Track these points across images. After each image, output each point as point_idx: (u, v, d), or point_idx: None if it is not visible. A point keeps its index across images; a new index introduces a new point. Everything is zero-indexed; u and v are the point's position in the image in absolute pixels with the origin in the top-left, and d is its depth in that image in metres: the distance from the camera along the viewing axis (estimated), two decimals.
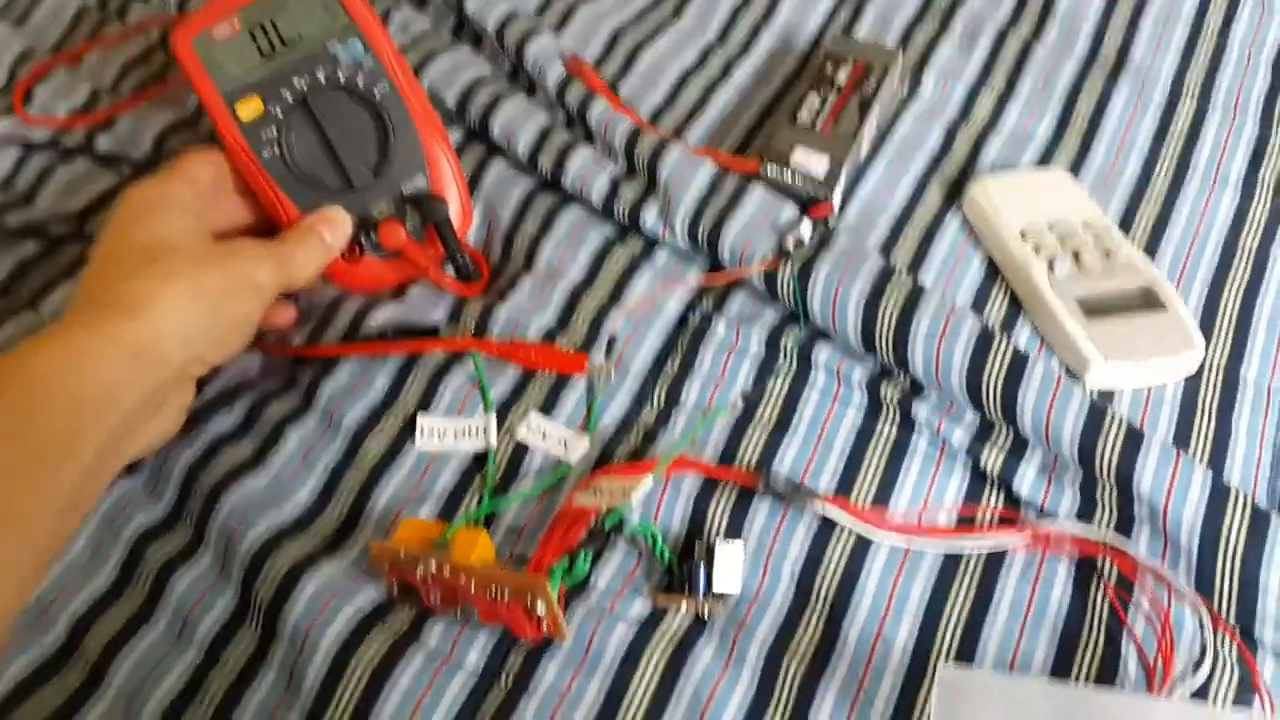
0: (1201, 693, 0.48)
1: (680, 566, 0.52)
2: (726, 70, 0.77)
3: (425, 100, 0.64)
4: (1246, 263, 0.66)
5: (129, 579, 0.55)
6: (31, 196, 0.72)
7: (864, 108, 0.69)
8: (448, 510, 0.56)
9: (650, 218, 0.65)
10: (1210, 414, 0.59)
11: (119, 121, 0.76)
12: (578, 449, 0.57)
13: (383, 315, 0.63)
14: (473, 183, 0.70)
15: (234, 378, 0.62)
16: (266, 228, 0.61)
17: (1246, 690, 0.48)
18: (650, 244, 0.67)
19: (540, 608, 0.48)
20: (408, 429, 0.58)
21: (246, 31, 0.61)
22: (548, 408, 0.59)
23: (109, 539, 0.55)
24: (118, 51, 0.81)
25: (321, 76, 0.61)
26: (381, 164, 0.62)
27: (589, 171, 0.67)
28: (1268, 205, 0.69)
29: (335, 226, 0.60)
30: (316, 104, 0.61)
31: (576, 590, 0.52)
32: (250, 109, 0.60)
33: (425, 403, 0.59)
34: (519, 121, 0.69)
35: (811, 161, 0.66)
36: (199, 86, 0.61)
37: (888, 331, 0.57)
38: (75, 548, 0.55)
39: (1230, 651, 0.49)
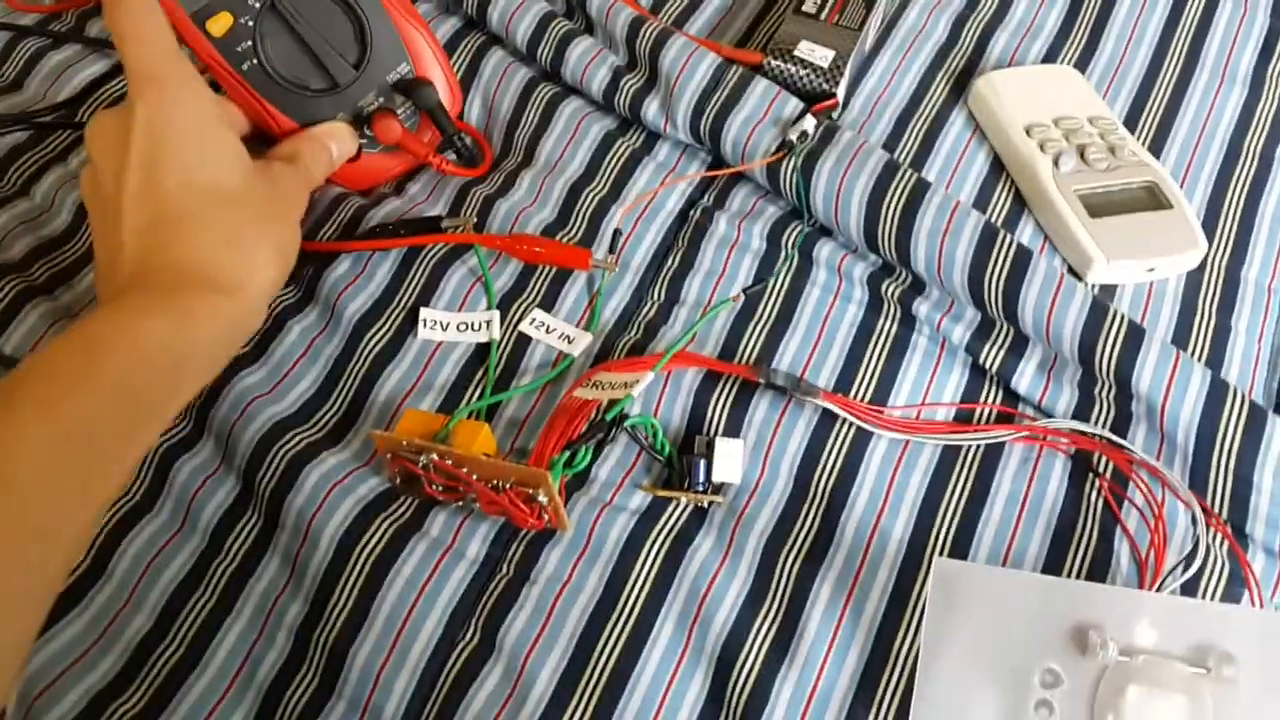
0: (1192, 586, 0.49)
1: (680, 460, 0.52)
2: None
3: None
4: (1251, 162, 0.65)
5: (127, 477, 0.55)
6: (20, 83, 0.70)
7: None
8: (449, 402, 0.56)
9: (652, 111, 0.64)
10: (1210, 312, 0.59)
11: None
12: (580, 343, 0.57)
13: (384, 210, 0.62)
14: (470, 72, 0.69)
15: None
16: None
17: (1236, 584, 0.49)
18: (652, 137, 0.66)
19: (542, 498, 0.48)
20: (409, 321, 0.58)
21: None
22: (549, 301, 0.59)
23: None
24: None
25: None
26: (362, 57, 0.61)
27: (589, 62, 0.66)
28: (1275, 104, 0.68)
29: (341, 140, 0.59)
30: (285, 6, 0.59)
31: (577, 482, 0.53)
32: (220, 24, 0.59)
33: (427, 296, 0.59)
34: (517, 9, 0.68)
35: (816, 54, 0.65)
36: (172, 15, 0.58)
37: (890, 228, 0.57)
38: None
39: (1221, 547, 0.50)
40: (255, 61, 0.59)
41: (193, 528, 0.53)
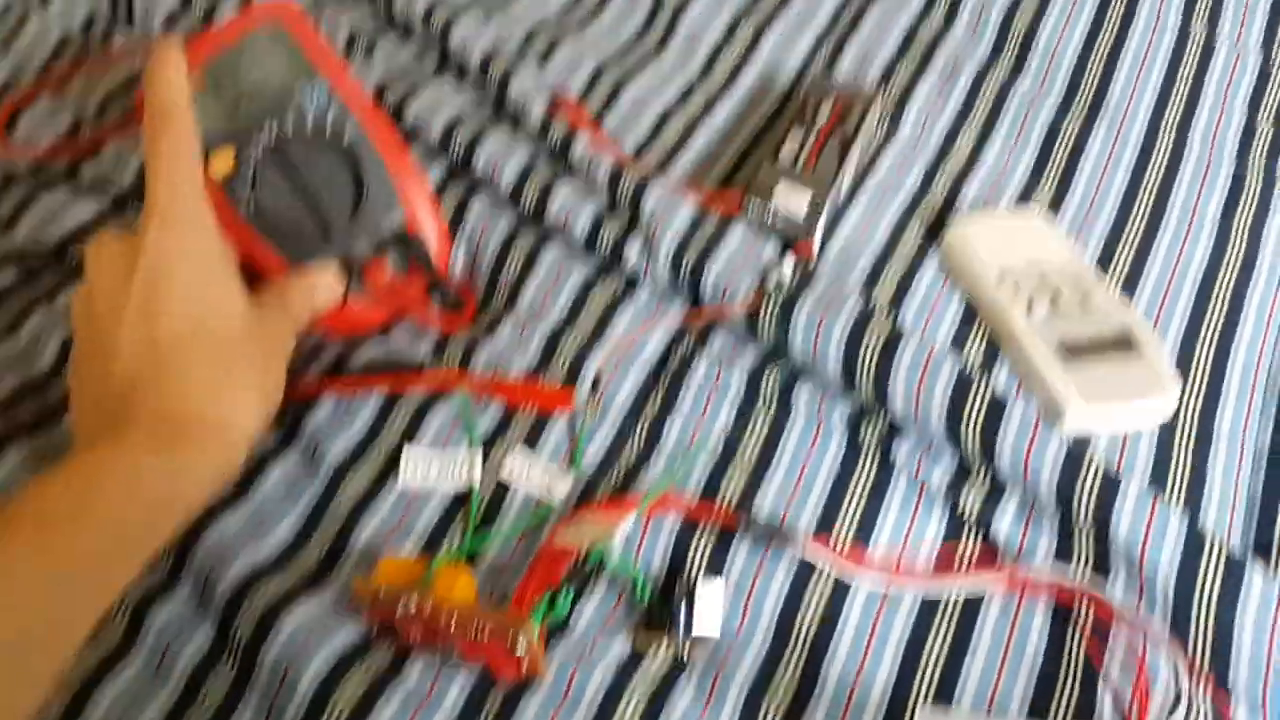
0: None
1: (661, 606, 0.52)
2: (708, 107, 0.78)
3: (394, 134, 0.64)
4: (1222, 307, 0.67)
5: (105, 615, 0.54)
6: (12, 224, 0.71)
7: (844, 147, 0.70)
8: (429, 547, 0.56)
9: (633, 255, 0.65)
10: (1186, 459, 0.59)
11: (103, 151, 0.76)
12: (561, 487, 0.57)
13: (367, 353, 0.62)
14: (456, 219, 0.70)
15: None
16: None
17: None
18: (632, 281, 0.67)
19: (521, 646, 0.48)
20: (390, 465, 0.58)
21: (213, 85, 0.61)
22: (531, 442, 0.59)
23: None
24: (102, 80, 0.81)
25: (289, 124, 0.61)
26: (357, 205, 0.62)
27: (572, 207, 0.67)
28: (1243, 248, 0.70)
29: (328, 285, 0.60)
30: (287, 152, 0.61)
31: (557, 629, 0.52)
32: (223, 163, 0.60)
33: (408, 439, 0.59)
34: (502, 156, 0.69)
35: (793, 200, 0.66)
36: None
37: (868, 371, 0.58)
38: None
39: (1204, 698, 0.50)
40: (252, 202, 0.60)
41: (167, 677, 0.52)
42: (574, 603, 0.53)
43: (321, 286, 0.60)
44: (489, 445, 0.59)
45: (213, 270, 0.53)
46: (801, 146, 0.70)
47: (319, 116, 0.62)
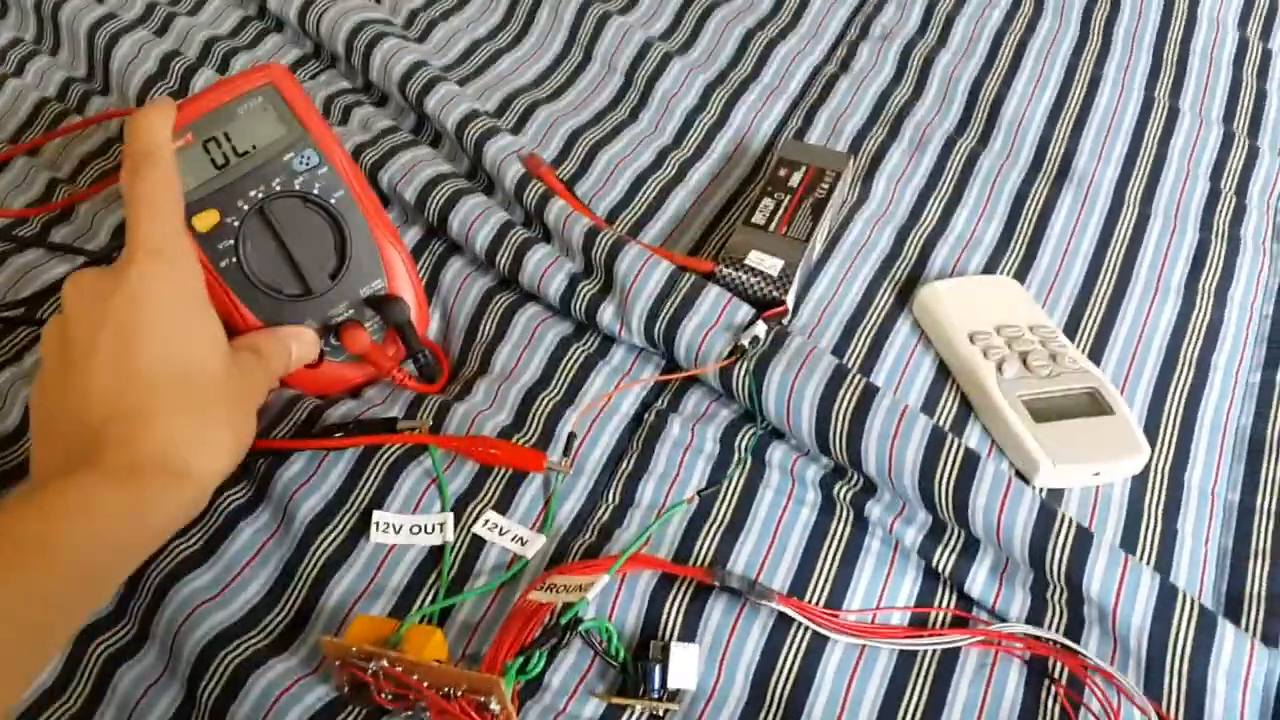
0: None
1: (635, 666, 0.52)
2: (682, 172, 0.79)
3: (378, 204, 0.64)
4: (1188, 370, 0.68)
5: (72, 675, 0.53)
6: None
7: (816, 211, 0.71)
8: (401, 606, 0.55)
9: (607, 316, 0.65)
10: (1156, 516, 0.60)
11: (76, 213, 0.76)
12: (534, 545, 0.57)
13: (340, 411, 0.62)
14: (431, 281, 0.71)
15: None
16: None
17: None
18: (607, 341, 0.67)
19: (494, 706, 0.47)
20: (362, 523, 0.57)
21: (201, 143, 0.61)
22: (504, 504, 0.59)
23: None
24: (77, 143, 0.81)
25: (277, 185, 0.61)
26: (339, 269, 0.62)
27: (546, 269, 0.67)
28: (1208, 314, 0.71)
29: (303, 343, 0.60)
30: (273, 213, 0.61)
31: (530, 689, 0.52)
32: (207, 220, 0.60)
33: (381, 498, 0.58)
34: (477, 218, 0.70)
35: (766, 263, 0.67)
36: None
37: (841, 431, 0.58)
38: None
39: None
40: (234, 260, 0.60)
41: None
42: (547, 663, 0.52)
43: (300, 343, 0.60)
44: (462, 504, 0.59)
45: (194, 308, 0.53)
46: (774, 210, 0.71)
47: (307, 180, 0.62)
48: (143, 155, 0.53)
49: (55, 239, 0.74)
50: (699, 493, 0.59)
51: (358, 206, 0.63)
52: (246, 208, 0.60)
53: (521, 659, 0.50)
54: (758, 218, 0.70)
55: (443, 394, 0.65)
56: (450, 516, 0.57)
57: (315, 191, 0.62)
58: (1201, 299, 0.72)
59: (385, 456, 0.60)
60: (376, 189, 0.74)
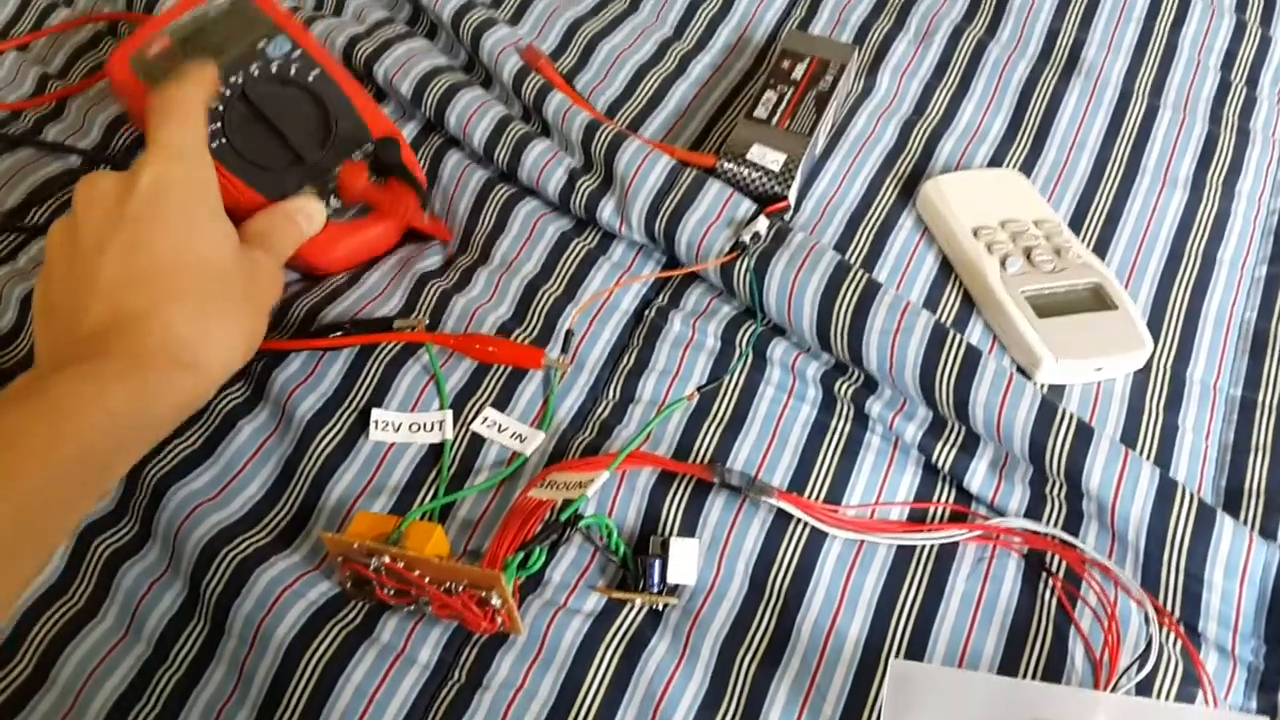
0: (1146, 686, 0.49)
1: (635, 561, 0.52)
2: (683, 65, 0.77)
3: (359, 84, 0.67)
4: (1193, 264, 0.67)
5: (75, 573, 0.54)
6: None
7: (820, 104, 0.69)
8: (402, 503, 0.55)
9: (607, 212, 0.65)
10: (1157, 411, 0.60)
11: (68, 110, 0.75)
12: (533, 442, 0.57)
13: (337, 309, 0.62)
14: (430, 175, 0.70)
15: None
16: None
17: (1190, 684, 0.49)
18: (607, 237, 0.67)
19: (495, 601, 0.48)
20: (361, 422, 0.57)
21: (178, 45, 0.65)
22: (503, 400, 0.59)
23: None
24: (68, 38, 0.80)
25: (255, 71, 0.64)
26: (327, 138, 0.64)
27: (545, 164, 0.66)
28: (1215, 208, 0.70)
29: (310, 214, 0.61)
30: (255, 95, 0.64)
31: (531, 584, 0.52)
32: None
33: (379, 396, 0.58)
34: (475, 113, 0.69)
35: (768, 158, 0.66)
36: (140, 100, 0.63)
37: (843, 327, 0.58)
38: None
39: (1174, 646, 0.50)
40: (224, 140, 0.62)
41: (138, 635, 0.51)
42: (548, 559, 0.53)
43: (306, 213, 0.60)
44: (460, 401, 0.58)
45: (207, 206, 0.53)
46: (777, 103, 0.69)
47: (283, 63, 0.64)
48: (177, 74, 0.55)
49: (47, 137, 0.73)
50: (699, 389, 0.59)
51: (336, 83, 0.65)
52: (228, 93, 0.64)
53: (522, 555, 0.51)
54: (760, 111, 0.69)
55: (442, 278, 0.64)
56: (449, 414, 0.57)
57: (292, 73, 0.65)
58: (1209, 192, 0.71)
59: (383, 354, 0.60)
60: (371, 82, 0.73)
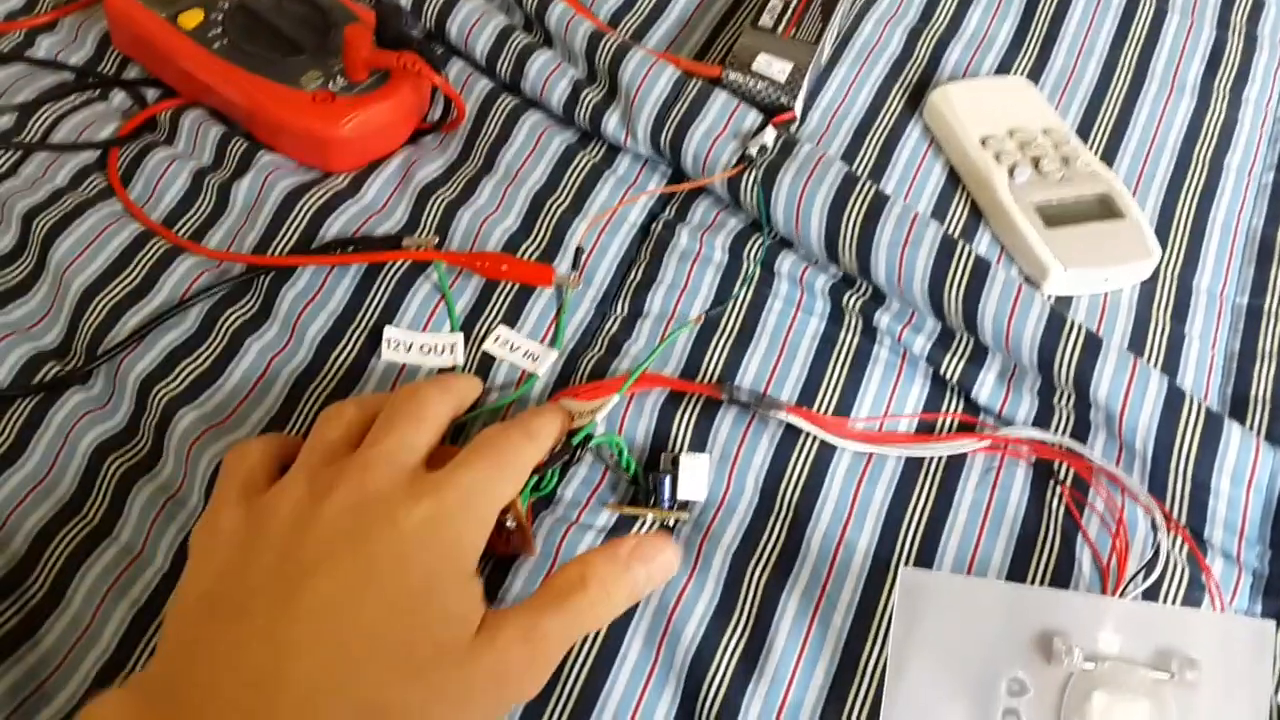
0: (1153, 592, 0.49)
1: (646, 478, 0.52)
2: None
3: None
4: (1201, 171, 0.67)
5: (90, 489, 0.54)
6: None
7: (826, 11, 0.68)
8: None
9: (612, 124, 0.64)
10: (1165, 320, 0.60)
11: (60, 25, 0.74)
12: (545, 360, 0.57)
13: (339, 221, 0.62)
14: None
15: (182, 284, 0.60)
16: None
17: (1196, 589, 0.50)
18: (613, 150, 0.66)
19: (510, 523, 0.48)
20: (371, 342, 0.57)
21: None
22: (513, 317, 0.58)
23: (66, 450, 0.55)
24: None
25: None
26: (326, 35, 0.65)
27: (549, 75, 0.66)
28: (1223, 114, 0.69)
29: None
30: (254, 3, 0.66)
31: (543, 502, 0.53)
32: (192, 18, 0.66)
33: (390, 315, 0.58)
34: (475, 24, 0.68)
35: (774, 68, 0.65)
36: (139, 21, 0.66)
37: (851, 239, 0.57)
38: (32, 460, 0.54)
39: (1181, 552, 0.51)
40: (226, 41, 0.64)
41: (153, 552, 0.52)
42: (559, 479, 0.53)
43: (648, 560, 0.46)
44: (471, 318, 0.58)
45: (462, 575, 0.43)
46: (782, 12, 0.68)
47: None
48: (532, 434, 0.48)
49: (39, 49, 0.72)
50: (705, 313, 0.59)
51: None
52: (227, 5, 0.66)
53: (535, 479, 0.51)
54: (765, 19, 0.68)
55: (447, 187, 0.64)
56: (460, 337, 0.57)
57: None
58: (1216, 98, 0.71)
59: (392, 272, 0.59)
60: None
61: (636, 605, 0.49)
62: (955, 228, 0.63)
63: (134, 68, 0.71)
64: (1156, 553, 0.49)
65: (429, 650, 0.40)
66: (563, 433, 0.51)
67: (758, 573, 0.51)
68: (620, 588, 0.45)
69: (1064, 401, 0.54)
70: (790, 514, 0.53)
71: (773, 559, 0.51)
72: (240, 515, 0.44)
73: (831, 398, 0.56)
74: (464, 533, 0.43)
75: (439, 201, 0.63)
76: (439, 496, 0.43)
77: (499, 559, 0.51)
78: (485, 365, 0.57)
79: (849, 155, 0.66)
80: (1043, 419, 0.55)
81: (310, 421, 0.55)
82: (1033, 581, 0.51)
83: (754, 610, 0.50)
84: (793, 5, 0.69)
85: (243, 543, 0.42)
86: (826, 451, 0.54)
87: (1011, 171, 0.62)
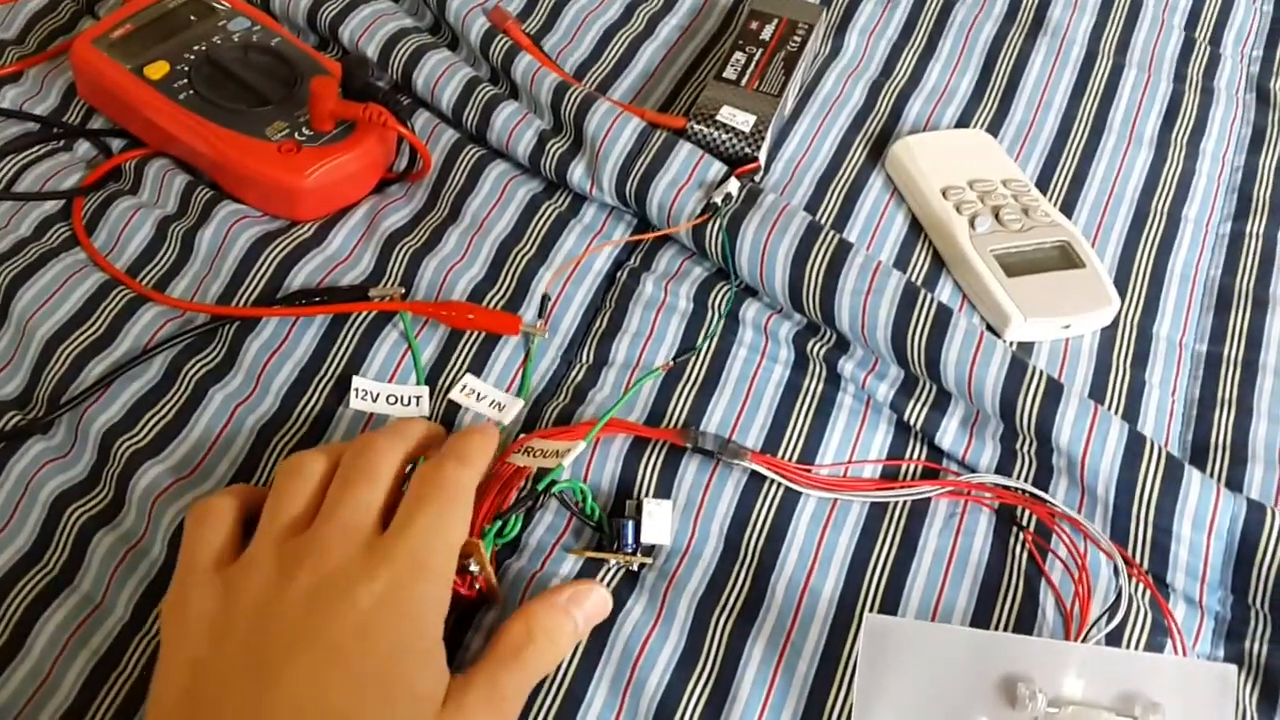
0: (1116, 636, 0.50)
1: (610, 524, 0.52)
2: (651, 25, 0.77)
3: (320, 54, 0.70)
4: (1159, 222, 0.68)
5: (50, 539, 0.53)
6: None
7: (788, 65, 0.69)
8: None
9: (577, 174, 0.65)
10: (1125, 368, 0.60)
11: (25, 76, 0.74)
12: (511, 410, 0.57)
13: (305, 270, 0.62)
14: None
15: (146, 333, 0.60)
16: None
17: (1159, 633, 0.50)
18: (578, 199, 0.67)
19: (474, 568, 0.48)
20: (338, 391, 0.57)
21: (140, 30, 0.68)
22: (479, 365, 0.58)
23: (26, 499, 0.54)
24: (24, 4, 0.78)
25: (218, 40, 0.68)
26: (296, 83, 0.66)
27: (515, 126, 0.66)
28: (1180, 166, 0.71)
29: (595, 606, 0.49)
30: (219, 56, 0.67)
31: (507, 549, 0.52)
32: (158, 69, 0.66)
33: (356, 364, 0.58)
34: (442, 75, 0.68)
35: (737, 119, 0.66)
36: (104, 73, 0.66)
37: (815, 288, 0.58)
38: None
39: (1144, 597, 0.51)
40: (192, 92, 0.65)
41: (114, 602, 0.51)
42: (524, 525, 0.53)
43: (583, 603, 0.48)
44: (437, 367, 0.58)
45: (431, 646, 0.44)
46: (746, 64, 0.69)
47: (245, 34, 0.68)
48: (466, 460, 0.48)
49: (4, 100, 0.72)
50: (672, 360, 0.59)
51: (297, 46, 0.68)
52: (193, 57, 0.67)
53: (499, 524, 0.51)
54: (729, 72, 0.69)
55: (412, 237, 0.65)
56: (425, 390, 0.57)
57: (254, 40, 0.68)
58: (1174, 150, 0.72)
59: (358, 321, 0.59)
60: (337, 45, 0.72)
61: (603, 652, 0.49)
62: (917, 277, 0.64)
63: (99, 118, 0.71)
64: (1119, 598, 0.49)
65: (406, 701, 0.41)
66: (493, 450, 0.50)
67: (722, 620, 0.51)
68: (564, 635, 0.47)
69: (1026, 448, 0.54)
70: (755, 561, 0.52)
71: (737, 606, 0.51)
72: (209, 597, 0.44)
73: (796, 444, 0.56)
74: (425, 594, 0.44)
75: (405, 250, 0.63)
76: (392, 565, 0.43)
77: (465, 608, 0.50)
78: (452, 413, 0.57)
79: (812, 205, 0.66)
80: (1005, 465, 0.55)
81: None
82: (996, 627, 0.51)
83: (719, 657, 0.49)
84: (756, 59, 0.70)
85: (213, 630, 0.43)
86: (791, 497, 0.54)
87: (972, 221, 0.63)
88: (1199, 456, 0.58)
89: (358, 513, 0.45)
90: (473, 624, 0.50)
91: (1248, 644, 0.51)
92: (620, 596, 0.51)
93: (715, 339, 0.60)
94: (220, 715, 0.40)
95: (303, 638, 0.41)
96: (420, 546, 0.44)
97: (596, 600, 0.49)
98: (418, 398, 0.57)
